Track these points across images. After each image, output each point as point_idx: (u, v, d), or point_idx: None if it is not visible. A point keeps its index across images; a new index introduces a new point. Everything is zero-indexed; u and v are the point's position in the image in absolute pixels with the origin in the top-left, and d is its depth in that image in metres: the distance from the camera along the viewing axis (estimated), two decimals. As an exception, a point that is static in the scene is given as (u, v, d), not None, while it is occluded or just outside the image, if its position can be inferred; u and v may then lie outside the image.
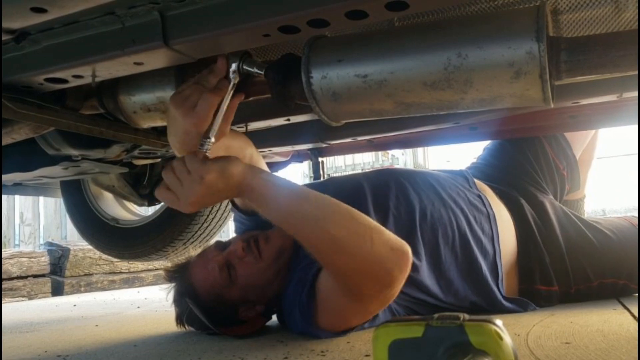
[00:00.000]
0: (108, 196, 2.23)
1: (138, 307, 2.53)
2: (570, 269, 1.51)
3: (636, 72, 0.84)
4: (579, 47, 0.85)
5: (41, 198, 5.52)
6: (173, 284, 1.47)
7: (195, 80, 1.03)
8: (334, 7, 0.77)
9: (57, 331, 1.84)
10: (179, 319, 1.48)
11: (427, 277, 1.38)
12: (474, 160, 1.87)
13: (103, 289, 4.18)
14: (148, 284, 4.42)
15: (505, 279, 1.46)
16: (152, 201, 2.14)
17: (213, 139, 1.03)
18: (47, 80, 1.01)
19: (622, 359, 0.90)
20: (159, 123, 1.22)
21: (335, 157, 6.51)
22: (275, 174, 1.16)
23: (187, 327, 1.50)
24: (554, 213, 1.60)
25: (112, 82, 1.14)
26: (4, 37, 0.91)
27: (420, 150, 6.04)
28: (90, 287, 4.12)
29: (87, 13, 0.87)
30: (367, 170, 2.05)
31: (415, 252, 1.37)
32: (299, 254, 1.35)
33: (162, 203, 2.11)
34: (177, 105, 1.03)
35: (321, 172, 1.98)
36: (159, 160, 1.80)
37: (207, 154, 1.02)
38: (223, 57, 1.02)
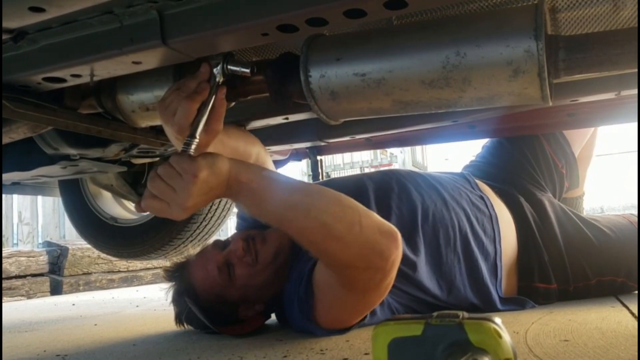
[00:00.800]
0: (107, 195, 2.23)
1: (137, 306, 2.53)
2: (568, 267, 1.51)
3: (635, 70, 0.85)
4: (577, 45, 0.85)
5: (39, 197, 5.52)
6: (172, 284, 1.47)
7: (175, 87, 1.02)
8: (332, 6, 0.77)
9: (56, 330, 1.84)
10: (178, 318, 1.49)
11: (426, 276, 1.38)
12: (473, 158, 1.87)
13: (102, 288, 4.18)
14: (147, 283, 4.42)
15: (505, 278, 1.47)
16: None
17: (197, 139, 0.99)
18: (45, 79, 1.00)
19: (620, 356, 0.90)
20: (158, 122, 1.22)
21: (334, 155, 6.51)
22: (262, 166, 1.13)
23: (186, 326, 1.50)
24: (553, 211, 1.60)
25: (110, 81, 1.14)
26: (2, 37, 0.91)
27: (419, 148, 6.04)
28: (89, 286, 4.12)
29: (85, 12, 0.87)
30: (368, 171, 2.05)
31: (416, 252, 1.38)
32: (299, 251, 1.35)
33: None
34: (161, 113, 1.03)
35: (320, 171, 1.98)
36: (158, 159, 1.80)
37: (191, 152, 0.98)
38: (205, 62, 1.01)
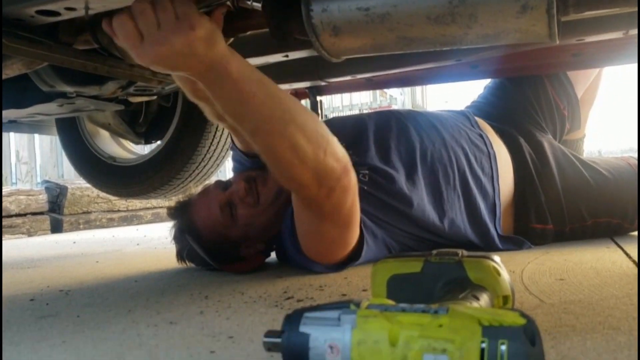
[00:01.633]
0: (104, 134, 2.21)
1: (137, 245, 2.57)
2: (565, 209, 1.52)
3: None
4: (588, -19, 0.82)
5: (37, 136, 5.49)
6: (175, 222, 1.49)
7: None
8: None
9: (58, 267, 1.87)
10: (180, 255, 1.51)
11: (425, 214, 1.39)
12: (475, 98, 1.85)
13: (102, 226, 4.23)
14: (146, 222, 4.47)
15: (502, 218, 1.48)
16: (148, 139, 2.13)
17: None
18: (38, 12, 0.97)
19: (614, 294, 0.92)
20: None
21: (333, 97, 6.44)
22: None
23: (187, 263, 1.53)
24: (552, 153, 1.60)
25: (106, 15, 1.10)
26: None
27: (418, 90, 5.97)
28: (89, 225, 4.16)
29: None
30: (367, 112, 2.03)
31: (415, 190, 1.38)
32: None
33: (160, 141, 2.10)
34: None
35: (319, 112, 1.96)
36: (155, 97, 1.78)
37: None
38: None
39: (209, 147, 2.06)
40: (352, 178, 1.09)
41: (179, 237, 1.47)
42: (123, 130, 2.05)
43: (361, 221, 1.24)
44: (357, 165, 1.18)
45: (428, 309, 0.54)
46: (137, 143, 2.18)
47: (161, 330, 0.88)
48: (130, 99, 1.72)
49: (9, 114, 1.74)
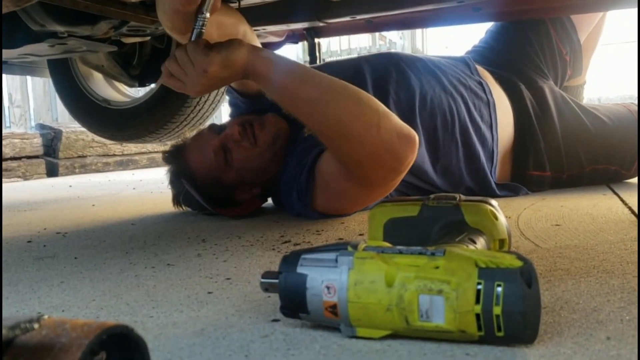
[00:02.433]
0: (98, 77, 2.17)
1: (134, 189, 2.57)
2: (564, 156, 1.52)
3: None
4: None
5: (29, 80, 5.40)
6: (170, 166, 1.48)
7: None
8: None
9: (54, 210, 1.87)
10: (176, 199, 1.51)
11: (423, 162, 1.38)
12: (476, 43, 1.81)
13: (97, 171, 4.22)
14: (142, 167, 4.46)
15: (500, 165, 1.48)
16: (142, 82, 2.09)
17: (208, 15, 0.98)
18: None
19: (609, 239, 0.93)
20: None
21: (330, 41, 6.31)
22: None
23: (183, 207, 1.53)
24: (553, 99, 1.58)
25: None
26: None
27: (418, 35, 5.85)
28: (85, 169, 4.15)
29: None
30: (367, 54, 2.00)
31: None
32: (296, 138, 1.34)
33: (154, 85, 2.06)
34: None
35: (317, 54, 1.92)
36: (149, 38, 1.73)
37: (203, 30, 1.00)
38: None
39: (204, 91, 2.03)
40: (415, 154, 1.10)
41: (175, 181, 1.46)
42: (117, 73, 2.01)
43: None
44: None
45: (425, 251, 0.54)
46: (131, 86, 2.14)
47: (159, 272, 0.89)
48: (123, 39, 1.68)
49: (-2, 54, 1.70)
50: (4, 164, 3.68)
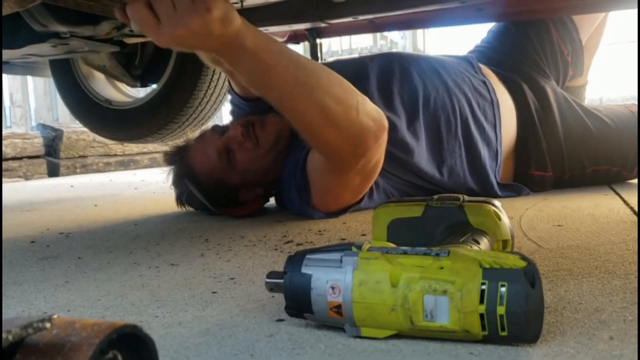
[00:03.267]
0: (100, 77, 2.18)
1: (135, 189, 2.57)
2: (566, 156, 1.53)
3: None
4: None
5: (30, 79, 5.40)
6: (172, 167, 1.48)
7: None
8: None
9: (57, 210, 1.88)
10: (179, 199, 1.51)
11: (425, 162, 1.38)
12: (478, 43, 1.81)
13: (98, 171, 4.22)
14: (143, 167, 4.46)
15: (502, 165, 1.48)
16: (144, 82, 2.10)
17: None
18: (28, -54, 0.93)
19: (611, 240, 0.93)
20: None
21: (331, 41, 6.31)
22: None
23: (186, 207, 1.53)
24: (555, 100, 1.58)
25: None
26: None
27: (419, 35, 5.85)
28: (86, 169, 4.16)
29: None
30: (370, 54, 1.99)
31: (416, 137, 1.38)
32: (297, 137, 1.35)
33: (155, 86, 2.06)
34: None
35: (319, 55, 1.92)
36: (150, 39, 1.74)
37: None
38: None
39: (206, 91, 2.03)
40: (386, 134, 1.09)
41: (178, 181, 1.47)
42: (119, 73, 2.02)
43: None
44: None
45: (429, 251, 0.54)
46: (132, 86, 2.15)
47: (163, 272, 0.89)
48: (125, 40, 1.68)
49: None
50: (5, 164, 3.68)
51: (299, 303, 0.56)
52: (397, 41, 5.93)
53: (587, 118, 1.56)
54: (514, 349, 0.50)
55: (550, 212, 1.22)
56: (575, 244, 0.92)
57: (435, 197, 0.76)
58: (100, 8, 1.25)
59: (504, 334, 0.49)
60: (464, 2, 1.32)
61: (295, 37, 1.94)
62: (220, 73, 1.92)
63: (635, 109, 1.62)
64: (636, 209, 1.18)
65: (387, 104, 1.38)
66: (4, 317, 0.71)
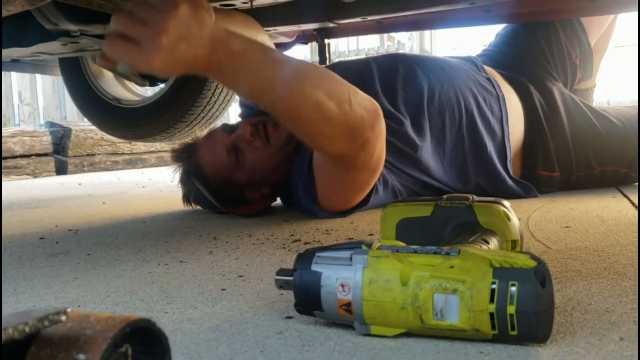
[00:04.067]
0: (109, 75, 2.19)
1: (143, 187, 2.58)
2: (573, 157, 1.52)
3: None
4: None
5: (39, 77, 5.43)
6: (179, 164, 1.49)
7: None
8: None
9: (65, 207, 1.89)
10: (186, 198, 1.52)
11: (430, 157, 1.39)
12: (485, 47, 1.81)
13: (106, 169, 4.24)
14: (151, 166, 4.48)
15: (511, 166, 1.48)
16: (153, 82, 2.10)
17: None
18: (41, -56, 0.94)
19: (619, 242, 0.93)
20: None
21: (339, 42, 6.31)
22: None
23: (193, 205, 1.54)
24: (562, 100, 1.58)
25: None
26: None
27: (427, 36, 5.85)
28: (94, 167, 4.17)
29: None
30: (373, 55, 2.00)
31: (421, 133, 1.38)
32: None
33: (164, 84, 2.07)
34: None
35: (327, 55, 1.92)
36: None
37: None
38: None
39: (215, 90, 2.03)
40: (383, 123, 1.07)
41: (185, 180, 1.47)
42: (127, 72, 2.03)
43: None
44: None
45: (439, 250, 0.54)
46: (141, 85, 2.14)
47: (172, 269, 0.90)
48: (135, 39, 1.69)
49: (11, 52, 1.71)
50: (14, 162, 3.70)
51: (308, 300, 0.56)
52: (405, 42, 5.93)
53: (595, 118, 1.56)
54: (524, 348, 0.50)
55: (558, 214, 1.22)
56: (584, 245, 0.92)
57: (445, 196, 0.76)
58: (110, 7, 1.26)
59: (514, 333, 0.49)
60: (472, 3, 1.32)
61: (304, 37, 1.94)
62: (228, 72, 1.92)
63: (644, 109, 1.62)
64: (645, 211, 1.18)
65: (391, 101, 1.38)
66: (18, 310, 0.71)
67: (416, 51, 5.73)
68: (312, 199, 1.28)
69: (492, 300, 0.49)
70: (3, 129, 3.66)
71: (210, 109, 2.09)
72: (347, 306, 0.54)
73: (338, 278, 0.54)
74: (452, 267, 0.51)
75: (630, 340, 0.51)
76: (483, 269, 0.50)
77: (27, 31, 1.53)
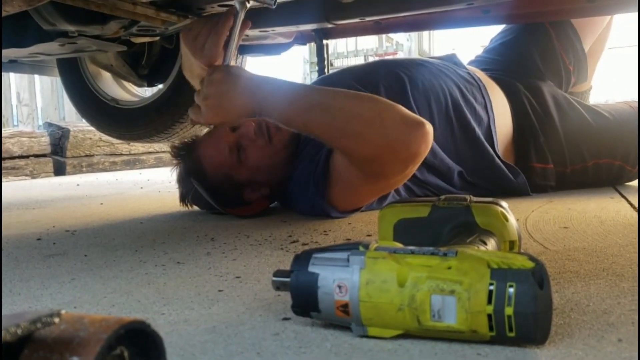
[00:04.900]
0: (107, 76, 2.18)
1: (141, 188, 2.58)
2: (565, 149, 1.54)
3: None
4: None
5: (37, 78, 5.42)
6: (178, 162, 1.48)
7: (203, 20, 1.12)
8: None
9: (63, 208, 1.88)
10: (183, 198, 1.51)
11: None
12: (479, 53, 1.83)
13: (104, 170, 4.23)
14: (149, 167, 4.47)
15: (503, 156, 1.49)
16: (151, 82, 2.10)
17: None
18: (38, -56, 0.94)
19: (617, 242, 0.93)
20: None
21: (337, 43, 6.32)
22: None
23: (190, 206, 1.53)
24: (551, 94, 1.61)
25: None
26: None
27: (425, 37, 5.85)
28: (92, 168, 4.17)
29: None
30: (354, 64, 2.05)
31: None
32: (309, 140, 1.35)
33: (162, 85, 2.07)
34: (188, 44, 1.12)
35: (325, 56, 1.92)
36: (158, 38, 1.74)
37: None
38: None
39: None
40: (429, 141, 1.07)
41: (184, 179, 1.47)
42: (125, 72, 2.02)
43: None
44: None
45: (437, 251, 0.54)
46: (139, 86, 2.15)
47: (169, 270, 0.89)
48: (132, 39, 1.68)
49: (9, 53, 1.71)
50: (12, 162, 3.70)
51: (305, 302, 0.56)
52: (403, 43, 5.93)
53: (586, 112, 1.58)
54: (522, 350, 0.50)
55: (555, 214, 1.22)
56: (582, 246, 0.92)
57: (442, 197, 0.76)
58: (108, 7, 1.25)
59: (512, 334, 0.48)
60: (471, 4, 1.32)
61: (302, 38, 1.94)
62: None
63: (635, 104, 1.63)
64: (643, 212, 1.18)
65: (374, 92, 1.38)
66: (12, 311, 0.71)
67: (414, 52, 5.73)
68: (323, 197, 1.27)
69: (489, 302, 0.49)
70: (2, 129, 3.65)
71: (208, 110, 2.09)
72: (344, 307, 0.54)
73: (335, 279, 0.54)
74: (449, 268, 0.51)
75: (628, 342, 0.51)
76: (481, 270, 0.50)
77: (25, 32, 1.52)
